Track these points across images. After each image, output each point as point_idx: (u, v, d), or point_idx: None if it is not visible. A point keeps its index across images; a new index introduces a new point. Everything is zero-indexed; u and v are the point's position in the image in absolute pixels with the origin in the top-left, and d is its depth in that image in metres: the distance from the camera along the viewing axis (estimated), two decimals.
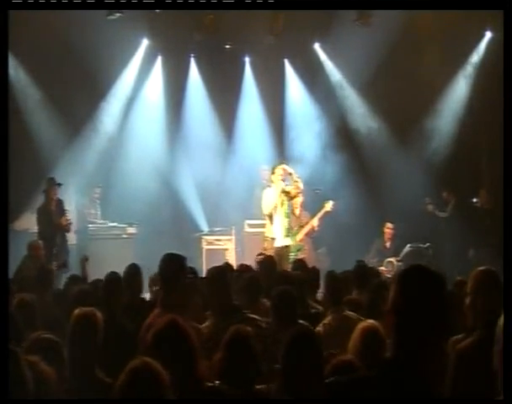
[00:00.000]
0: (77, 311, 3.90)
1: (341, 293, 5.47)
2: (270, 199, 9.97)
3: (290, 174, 10.16)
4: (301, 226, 11.05)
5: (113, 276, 5.70)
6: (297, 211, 11.13)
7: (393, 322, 2.18)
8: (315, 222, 11.05)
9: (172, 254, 4.67)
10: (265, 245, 10.16)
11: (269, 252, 9.68)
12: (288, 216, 10.16)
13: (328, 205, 11.08)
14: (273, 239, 10.01)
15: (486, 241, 11.62)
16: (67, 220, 10.40)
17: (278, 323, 4.63)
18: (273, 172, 10.10)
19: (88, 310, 3.93)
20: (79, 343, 3.72)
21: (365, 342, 3.76)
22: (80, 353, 3.70)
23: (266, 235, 10.18)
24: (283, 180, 10.03)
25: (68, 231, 10.53)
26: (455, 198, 12.57)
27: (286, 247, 10.04)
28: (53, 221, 10.22)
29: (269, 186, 10.22)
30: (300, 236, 10.99)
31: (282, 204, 10.03)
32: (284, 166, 10.26)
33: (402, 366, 2.13)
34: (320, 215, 11.08)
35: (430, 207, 12.55)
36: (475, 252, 11.88)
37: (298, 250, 10.82)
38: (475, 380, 3.07)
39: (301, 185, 10.24)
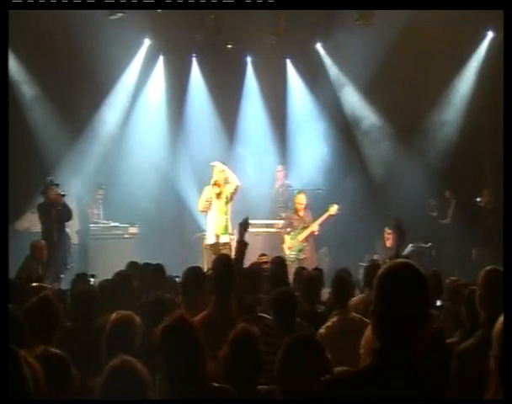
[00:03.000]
0: (114, 315, 3.88)
1: (348, 295, 5.39)
2: (201, 196, 9.96)
3: (223, 171, 10.02)
4: (305, 227, 11.00)
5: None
6: (301, 212, 11.10)
7: (377, 321, 2.18)
8: (315, 227, 10.96)
9: (225, 255, 4.82)
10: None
11: (210, 251, 9.65)
12: (225, 213, 9.96)
13: (333, 209, 11.00)
14: (206, 236, 10.00)
15: (489, 240, 11.60)
16: (60, 195, 10.29)
17: (278, 324, 4.60)
18: (212, 169, 10.04)
19: (126, 313, 3.91)
20: (117, 347, 3.68)
21: None
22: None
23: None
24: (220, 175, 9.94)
25: (62, 207, 10.39)
26: (455, 199, 12.55)
27: (224, 244, 9.82)
28: (51, 220, 10.22)
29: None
30: (302, 236, 10.95)
31: (217, 201, 9.91)
32: (214, 163, 10.13)
33: (389, 358, 2.12)
34: (322, 219, 11.00)
35: (434, 214, 12.55)
36: (478, 252, 11.87)
37: (300, 250, 10.78)
38: (477, 380, 3.05)
39: (235, 180, 10.04)
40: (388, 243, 12.03)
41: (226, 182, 9.99)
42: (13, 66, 11.59)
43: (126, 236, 11.83)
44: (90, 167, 12.39)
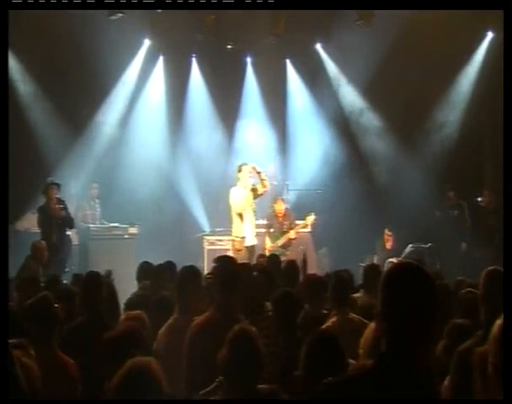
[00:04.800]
0: (123, 316, 3.86)
1: (346, 295, 5.37)
2: (240, 197, 9.91)
3: (259, 173, 10.08)
4: (284, 232, 10.89)
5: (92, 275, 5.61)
6: (280, 218, 10.97)
7: (383, 323, 2.17)
8: (292, 235, 10.85)
9: (227, 256, 4.77)
10: (236, 246, 9.93)
11: (241, 253, 9.59)
12: (255, 214, 10.12)
13: (310, 219, 10.93)
14: (243, 238, 9.89)
15: (489, 241, 11.58)
16: (61, 208, 10.32)
17: (278, 325, 4.58)
18: (239, 170, 10.04)
19: (135, 313, 3.89)
20: (129, 347, 3.67)
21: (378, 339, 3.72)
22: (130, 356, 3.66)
23: (235, 234, 10.03)
24: (250, 178, 10.00)
25: (63, 219, 10.42)
26: (463, 201, 12.47)
27: (254, 246, 9.92)
28: (51, 221, 10.22)
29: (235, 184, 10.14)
30: (280, 242, 10.82)
31: (252, 201, 10.02)
32: (253, 164, 10.19)
33: (394, 360, 2.12)
34: (299, 227, 10.91)
35: (455, 212, 12.40)
36: (478, 253, 11.84)
37: (279, 254, 10.67)
38: (476, 380, 3.05)
39: (268, 184, 10.18)
40: (388, 245, 12.04)
41: (260, 184, 10.11)
42: (13, 66, 11.58)
43: (126, 236, 11.80)
44: (90, 168, 12.39)
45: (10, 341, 3.33)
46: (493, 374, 2.21)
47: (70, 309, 5.12)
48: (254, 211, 10.10)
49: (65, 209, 10.37)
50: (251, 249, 9.74)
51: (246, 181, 9.96)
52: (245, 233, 9.92)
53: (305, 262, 8.39)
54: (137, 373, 2.68)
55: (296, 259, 7.94)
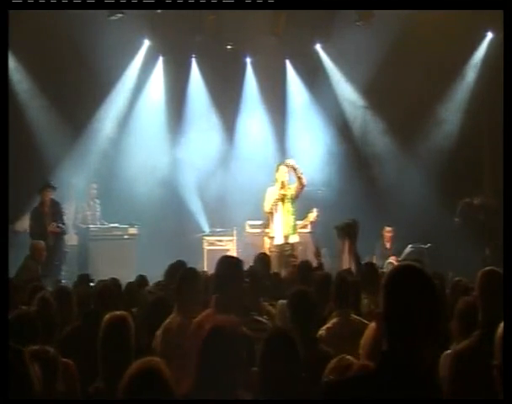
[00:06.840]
0: (107, 316, 3.88)
1: (348, 296, 5.31)
2: (271, 196, 9.89)
3: (295, 170, 9.94)
4: None
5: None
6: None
7: (384, 323, 2.18)
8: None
9: (229, 257, 4.73)
10: (265, 244, 10.03)
11: (269, 252, 9.57)
12: (292, 213, 9.94)
13: (312, 215, 10.91)
14: (272, 237, 9.89)
15: (492, 242, 11.55)
16: (56, 226, 10.37)
17: (294, 324, 4.51)
18: (277, 170, 9.98)
19: (119, 313, 3.90)
20: (112, 347, 3.70)
21: (378, 340, 3.70)
22: (113, 357, 3.67)
23: (268, 233, 10.06)
24: (287, 176, 9.90)
25: (56, 235, 10.48)
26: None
27: (287, 244, 9.85)
28: (44, 224, 10.23)
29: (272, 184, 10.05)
30: None
31: (284, 201, 9.89)
32: (288, 161, 10.08)
33: (396, 360, 2.12)
34: (301, 225, 10.87)
35: (480, 217, 12.21)
36: (479, 253, 11.80)
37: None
38: (474, 380, 3.04)
39: (304, 181, 9.96)
40: (388, 244, 12.03)
41: (297, 181, 9.92)
42: (13, 66, 11.58)
43: (126, 236, 11.80)
44: (90, 168, 12.39)
45: (34, 348, 3.36)
46: (498, 376, 2.21)
47: (64, 309, 5.14)
48: (289, 211, 9.89)
49: (60, 226, 10.41)
50: (280, 249, 9.71)
51: (279, 180, 9.90)
52: (274, 233, 9.90)
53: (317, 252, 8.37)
54: (145, 373, 2.67)
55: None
